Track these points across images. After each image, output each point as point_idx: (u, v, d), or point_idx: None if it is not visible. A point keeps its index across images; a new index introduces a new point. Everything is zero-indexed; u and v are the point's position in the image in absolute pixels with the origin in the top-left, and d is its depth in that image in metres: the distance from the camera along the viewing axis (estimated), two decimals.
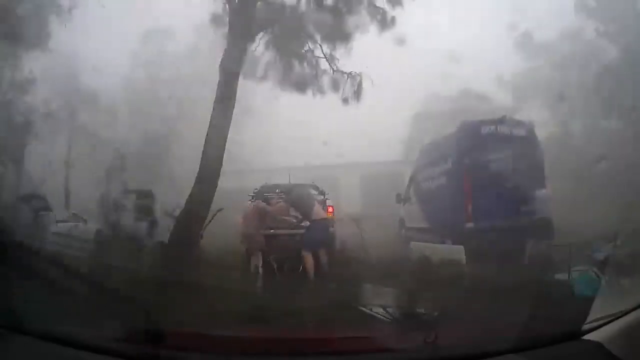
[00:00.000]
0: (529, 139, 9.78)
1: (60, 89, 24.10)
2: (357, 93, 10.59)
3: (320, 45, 10.48)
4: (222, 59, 9.88)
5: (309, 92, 10.77)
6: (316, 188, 10.30)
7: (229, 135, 10.18)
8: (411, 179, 12.90)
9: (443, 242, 9.15)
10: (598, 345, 2.26)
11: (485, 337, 2.65)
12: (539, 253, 8.12)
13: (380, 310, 5.14)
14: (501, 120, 9.78)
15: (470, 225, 9.10)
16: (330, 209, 9.37)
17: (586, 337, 2.34)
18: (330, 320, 4.82)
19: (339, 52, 10.62)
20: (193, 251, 9.10)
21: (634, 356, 2.20)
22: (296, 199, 8.60)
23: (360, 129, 21.52)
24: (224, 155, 10.00)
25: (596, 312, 2.43)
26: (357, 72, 10.62)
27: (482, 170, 9.32)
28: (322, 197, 9.75)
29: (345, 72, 10.67)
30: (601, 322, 2.34)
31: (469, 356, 2.43)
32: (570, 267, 6.15)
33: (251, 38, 10.16)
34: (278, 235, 8.72)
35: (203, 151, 9.73)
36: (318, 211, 8.22)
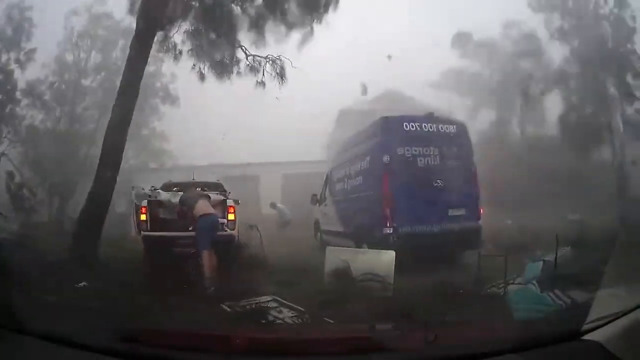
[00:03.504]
0: (459, 137, 10.40)
1: None
2: (281, 76, 11.80)
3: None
4: (130, 46, 10.77)
5: (231, 84, 12.10)
6: (219, 187, 11.07)
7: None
8: (327, 179, 13.35)
9: (359, 248, 9.71)
10: (598, 345, 2.58)
11: (485, 337, 2.98)
12: (469, 263, 8.95)
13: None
14: (427, 117, 10.36)
15: (388, 230, 9.55)
16: (231, 209, 9.82)
17: (586, 337, 2.66)
18: None
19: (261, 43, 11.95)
20: (95, 246, 9.86)
21: (634, 356, 2.54)
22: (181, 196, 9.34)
23: (283, 127, 22.92)
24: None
25: (596, 312, 2.77)
26: (277, 56, 11.86)
27: (404, 170, 9.82)
28: (222, 196, 10.22)
29: (265, 58, 11.87)
30: (601, 322, 2.68)
31: (469, 356, 2.66)
32: (507, 280, 6.63)
33: (161, 26, 11.02)
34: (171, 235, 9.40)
35: (103, 142, 10.50)
36: (202, 207, 8.83)
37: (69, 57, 26.56)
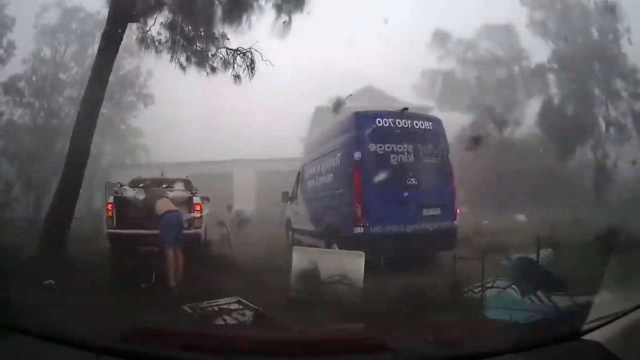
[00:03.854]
0: (434, 134, 10.51)
1: None
2: (251, 69, 12.07)
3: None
4: (101, 37, 11.31)
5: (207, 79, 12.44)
6: (187, 183, 11.52)
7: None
8: (299, 176, 13.47)
9: (329, 247, 9.79)
10: (598, 345, 2.70)
11: (485, 337, 3.12)
12: (445, 265, 9.09)
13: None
14: (401, 113, 10.40)
15: (359, 230, 9.60)
16: (197, 207, 10.11)
17: (586, 337, 2.79)
18: None
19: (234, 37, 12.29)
20: (64, 242, 10.31)
21: (634, 356, 2.66)
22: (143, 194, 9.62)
23: (258, 125, 23.87)
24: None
25: (596, 312, 2.90)
26: (248, 48, 12.10)
27: (376, 168, 9.85)
28: (188, 193, 10.52)
29: (240, 52, 12.16)
30: (601, 322, 2.80)
31: (469, 356, 2.78)
32: (485, 283, 6.71)
33: (132, 17, 11.38)
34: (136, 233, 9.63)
35: (72, 135, 11.00)
36: (164, 204, 9.03)
37: (47, 52, 27.93)
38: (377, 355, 2.84)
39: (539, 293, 5.86)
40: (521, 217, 17.03)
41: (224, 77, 12.30)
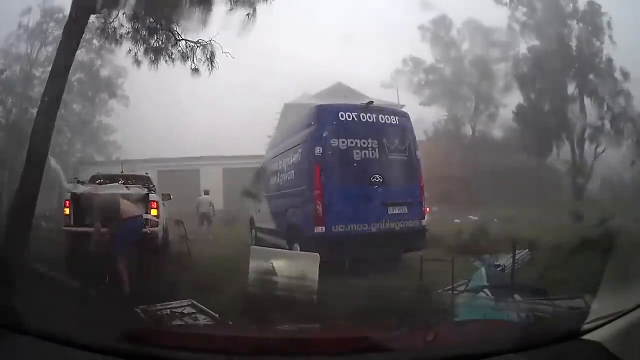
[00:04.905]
0: (401, 129, 10.60)
1: None
2: (211, 62, 12.64)
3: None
4: (64, 30, 11.42)
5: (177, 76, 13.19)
6: (147, 180, 11.66)
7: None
8: (261, 172, 13.50)
9: (291, 248, 9.81)
10: (598, 345, 2.81)
11: (485, 337, 3.20)
12: (411, 267, 9.21)
13: None
14: (366, 106, 10.48)
15: (320, 229, 9.60)
16: (153, 205, 10.11)
17: (586, 337, 2.89)
18: None
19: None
20: (25, 243, 10.31)
21: (634, 356, 2.77)
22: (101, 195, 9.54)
23: (226, 122, 24.33)
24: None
25: (596, 312, 3.02)
26: (208, 41, 12.61)
27: (338, 164, 9.90)
28: (145, 191, 10.45)
29: (200, 44, 12.72)
30: (601, 322, 2.91)
31: (469, 356, 2.84)
32: (454, 286, 6.82)
33: (94, 10, 11.56)
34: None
35: (32, 131, 11.06)
36: (125, 210, 8.93)
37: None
38: (377, 355, 2.91)
39: (513, 298, 5.97)
40: (475, 218, 17.32)
41: (190, 73, 12.91)
